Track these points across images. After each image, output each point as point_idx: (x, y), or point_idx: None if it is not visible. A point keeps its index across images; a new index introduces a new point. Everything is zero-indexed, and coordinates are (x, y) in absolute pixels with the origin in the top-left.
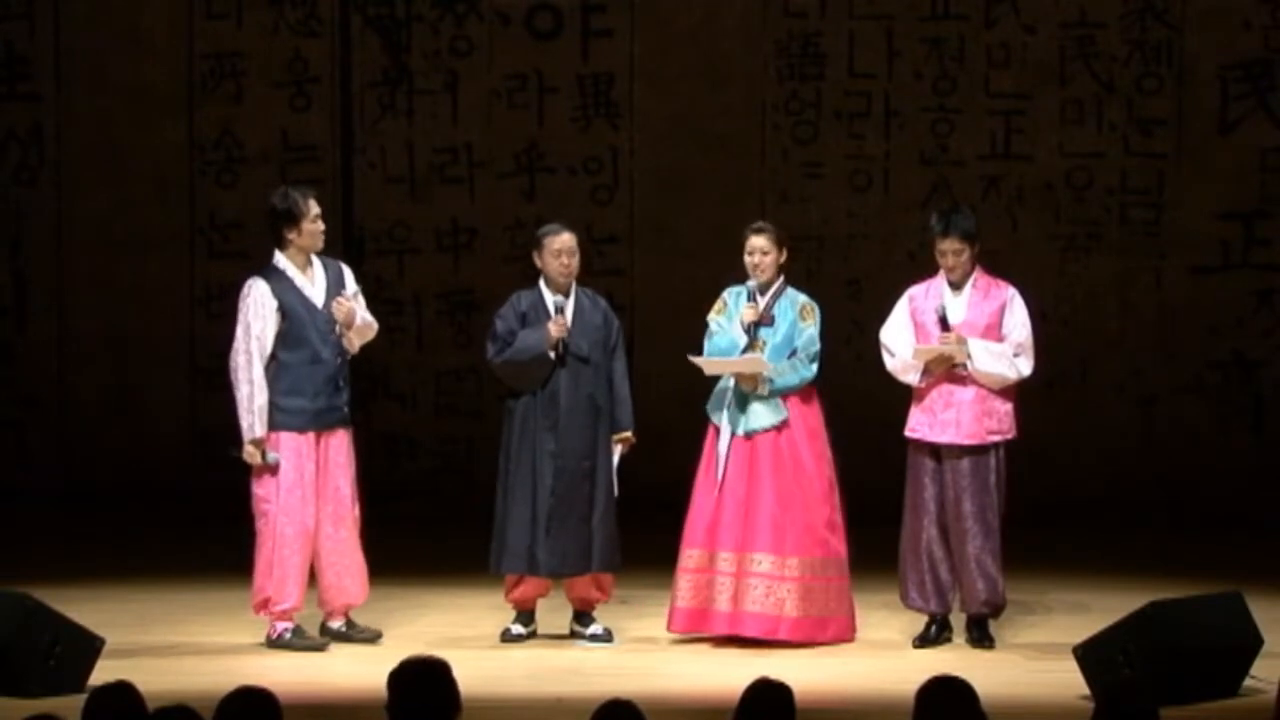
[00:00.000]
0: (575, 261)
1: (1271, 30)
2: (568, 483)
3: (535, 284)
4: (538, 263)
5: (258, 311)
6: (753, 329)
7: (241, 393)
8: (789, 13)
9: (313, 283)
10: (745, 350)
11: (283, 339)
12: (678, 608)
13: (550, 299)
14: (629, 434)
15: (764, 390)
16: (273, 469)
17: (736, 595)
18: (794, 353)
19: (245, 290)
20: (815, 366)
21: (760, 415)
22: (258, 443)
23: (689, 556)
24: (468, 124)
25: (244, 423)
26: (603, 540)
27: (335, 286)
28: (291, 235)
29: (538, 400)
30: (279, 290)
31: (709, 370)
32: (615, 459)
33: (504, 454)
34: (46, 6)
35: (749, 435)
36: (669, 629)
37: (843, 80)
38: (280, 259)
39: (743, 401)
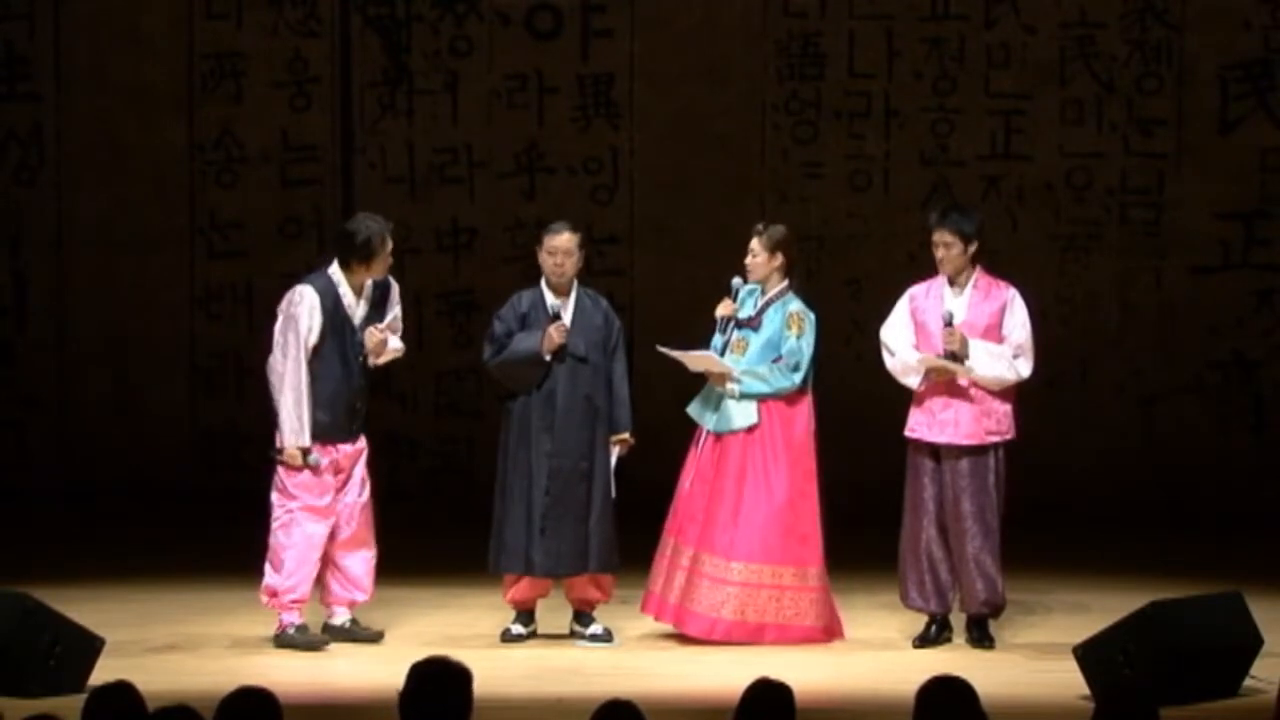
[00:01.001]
0: (570, 262)
1: (1271, 30)
2: (563, 483)
3: (538, 283)
4: (539, 262)
5: (306, 321)
6: (726, 324)
7: (287, 399)
8: (789, 13)
9: (358, 301)
10: (725, 348)
11: (315, 352)
12: (649, 591)
13: (550, 300)
14: (626, 435)
15: (734, 391)
16: (313, 469)
17: (686, 591)
18: (779, 360)
19: (296, 297)
20: (797, 378)
21: (729, 417)
22: (304, 449)
23: (665, 544)
24: (468, 124)
25: (287, 426)
26: (600, 541)
27: (379, 306)
28: (359, 269)
29: (534, 401)
30: (325, 304)
31: (690, 364)
32: (613, 460)
33: (502, 454)
34: (46, 6)
35: (719, 436)
36: (641, 609)
37: (843, 80)
38: (336, 272)
39: (718, 401)
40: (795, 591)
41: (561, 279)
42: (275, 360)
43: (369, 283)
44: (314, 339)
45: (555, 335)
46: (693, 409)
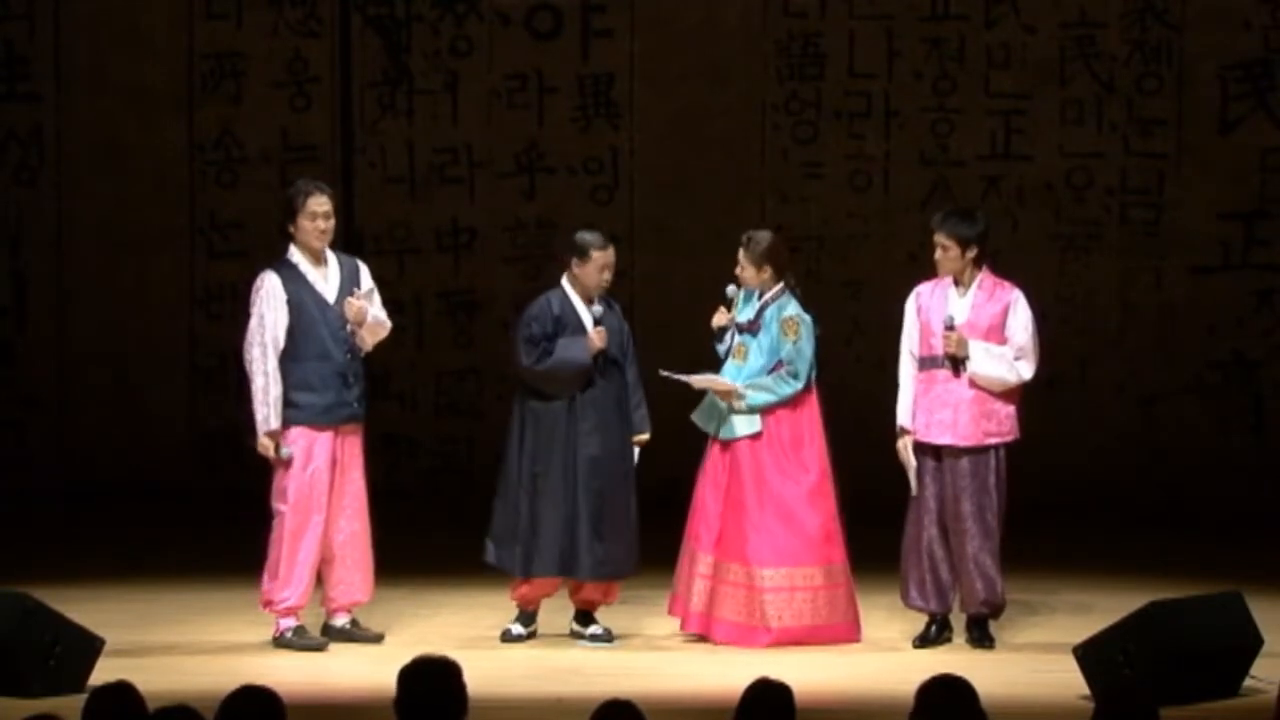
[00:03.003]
0: (611, 277)
1: (1271, 30)
2: (613, 486)
3: (558, 287)
4: (575, 269)
5: (270, 303)
6: (723, 333)
7: (256, 384)
8: (789, 13)
9: (325, 278)
10: (727, 352)
11: (291, 333)
12: (675, 595)
13: (581, 307)
14: (646, 436)
15: (742, 406)
16: (286, 463)
17: (712, 600)
18: (778, 366)
19: (258, 283)
20: (798, 383)
21: (734, 425)
22: (273, 435)
23: (684, 550)
24: (468, 124)
25: (258, 415)
26: (633, 542)
27: (349, 283)
28: (291, 229)
29: (578, 402)
30: (290, 284)
31: (695, 385)
32: (634, 461)
33: (528, 457)
34: (46, 6)
35: (725, 444)
36: (668, 611)
37: (843, 80)
38: (294, 253)
39: (722, 410)
40: (829, 590)
41: (605, 290)
42: (245, 348)
43: (332, 260)
44: (284, 320)
45: (598, 341)
46: (697, 417)
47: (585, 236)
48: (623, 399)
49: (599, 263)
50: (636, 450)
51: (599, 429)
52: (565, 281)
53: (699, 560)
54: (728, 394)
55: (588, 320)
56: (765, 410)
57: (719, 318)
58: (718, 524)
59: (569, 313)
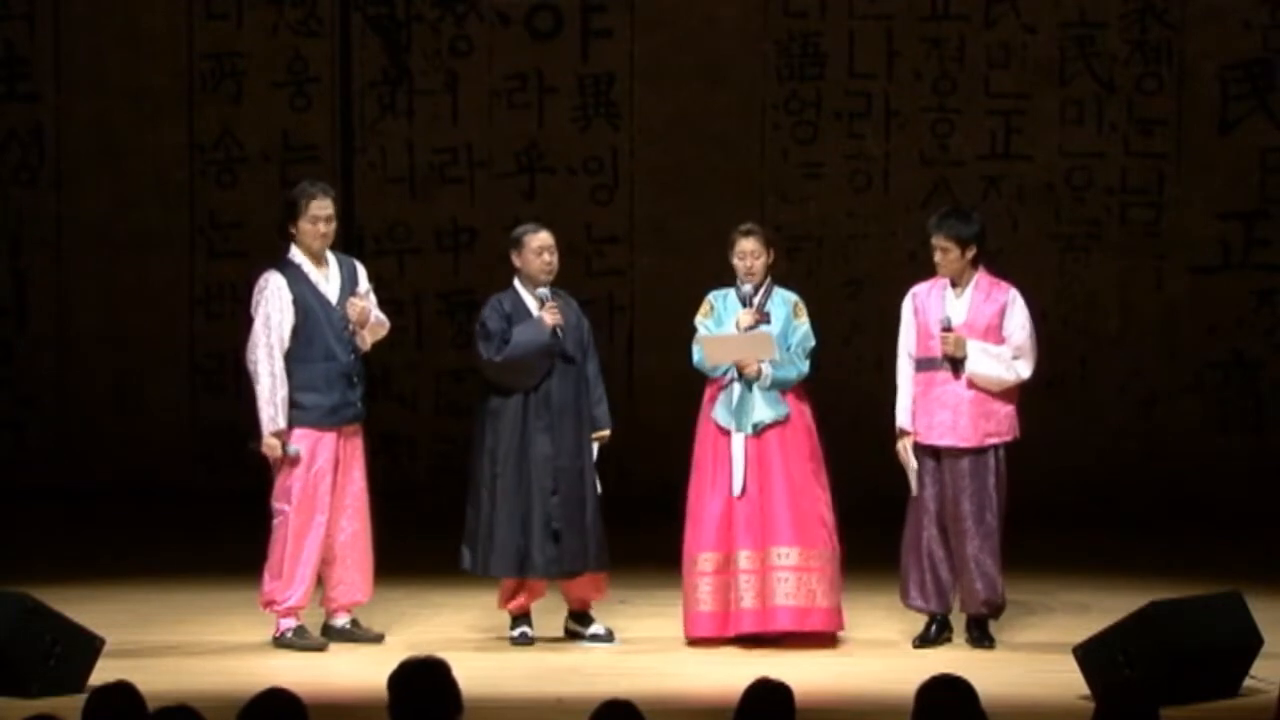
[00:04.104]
0: (556, 260)
1: (1271, 30)
2: (568, 484)
3: (510, 287)
4: (516, 263)
5: (275, 304)
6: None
7: (262, 385)
8: (789, 13)
9: (327, 279)
10: None
11: (296, 334)
12: (700, 613)
13: (530, 299)
14: (607, 432)
15: (765, 382)
16: (293, 462)
17: (764, 591)
18: (788, 349)
19: (261, 283)
20: (808, 364)
21: (764, 409)
22: (279, 435)
23: (705, 560)
24: (468, 124)
25: (264, 415)
26: (596, 540)
27: (349, 283)
28: (293, 230)
29: (531, 401)
30: (294, 284)
31: (716, 354)
32: (594, 458)
33: (487, 456)
34: (46, 6)
35: (757, 432)
36: (689, 634)
37: (843, 80)
38: (295, 253)
39: (746, 400)
40: (835, 577)
41: (552, 275)
42: (249, 349)
43: (332, 260)
44: (289, 320)
45: (549, 317)
46: (721, 416)
47: (516, 229)
48: (581, 395)
49: (533, 246)
50: (596, 446)
51: (552, 427)
52: (515, 281)
53: (738, 559)
54: (755, 364)
55: (537, 313)
56: (784, 393)
57: (746, 318)
58: (759, 516)
59: (520, 310)
